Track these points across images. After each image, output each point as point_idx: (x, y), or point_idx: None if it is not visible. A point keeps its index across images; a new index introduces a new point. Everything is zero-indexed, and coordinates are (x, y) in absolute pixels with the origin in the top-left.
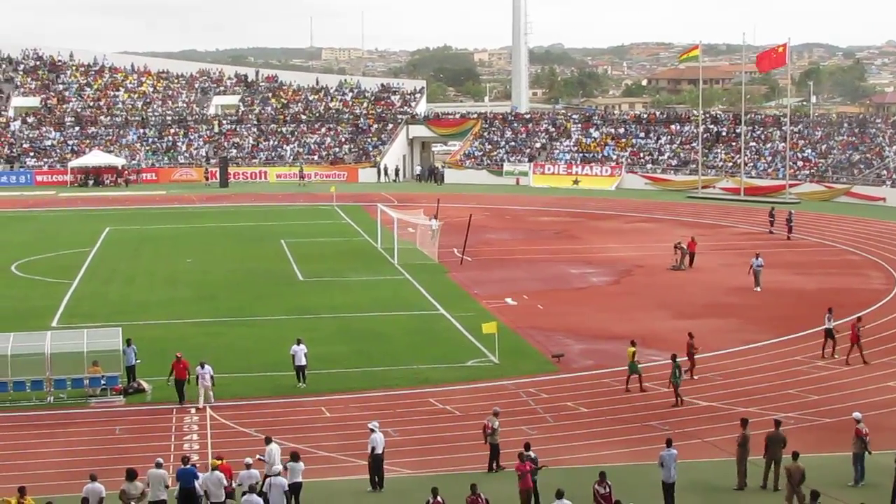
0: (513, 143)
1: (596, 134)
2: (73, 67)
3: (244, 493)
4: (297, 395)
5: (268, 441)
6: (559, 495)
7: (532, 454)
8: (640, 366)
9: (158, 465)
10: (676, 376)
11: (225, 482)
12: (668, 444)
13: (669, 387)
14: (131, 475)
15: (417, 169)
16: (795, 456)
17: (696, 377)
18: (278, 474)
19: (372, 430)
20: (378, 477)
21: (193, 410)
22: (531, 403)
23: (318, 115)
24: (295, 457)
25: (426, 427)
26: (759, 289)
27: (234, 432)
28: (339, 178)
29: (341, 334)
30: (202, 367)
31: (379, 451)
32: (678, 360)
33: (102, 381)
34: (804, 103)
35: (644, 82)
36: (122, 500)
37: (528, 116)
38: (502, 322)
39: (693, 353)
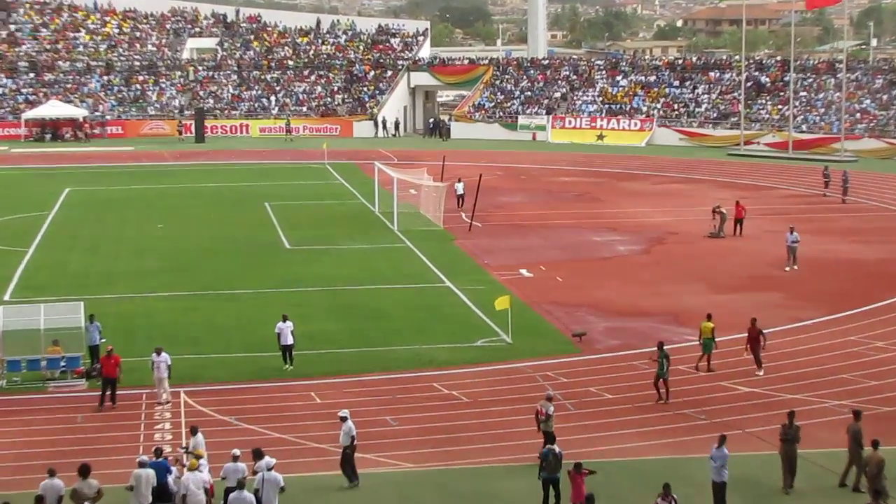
0: (529, 93)
1: (624, 82)
2: (27, 5)
3: (231, 490)
4: (283, 379)
5: (194, 432)
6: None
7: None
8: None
9: (142, 465)
10: (663, 368)
11: (207, 482)
12: (722, 441)
13: (660, 384)
14: (84, 471)
15: (420, 122)
16: (875, 444)
17: (760, 373)
18: (272, 468)
19: (343, 420)
20: (352, 469)
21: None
22: (549, 389)
23: (306, 60)
24: (258, 454)
25: (430, 415)
26: (794, 267)
27: (213, 420)
28: (331, 133)
29: (333, 310)
30: (158, 354)
31: (347, 442)
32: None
33: (62, 363)
34: (863, 47)
35: (679, 23)
36: (75, 502)
37: (546, 62)
38: (516, 296)
39: (758, 342)
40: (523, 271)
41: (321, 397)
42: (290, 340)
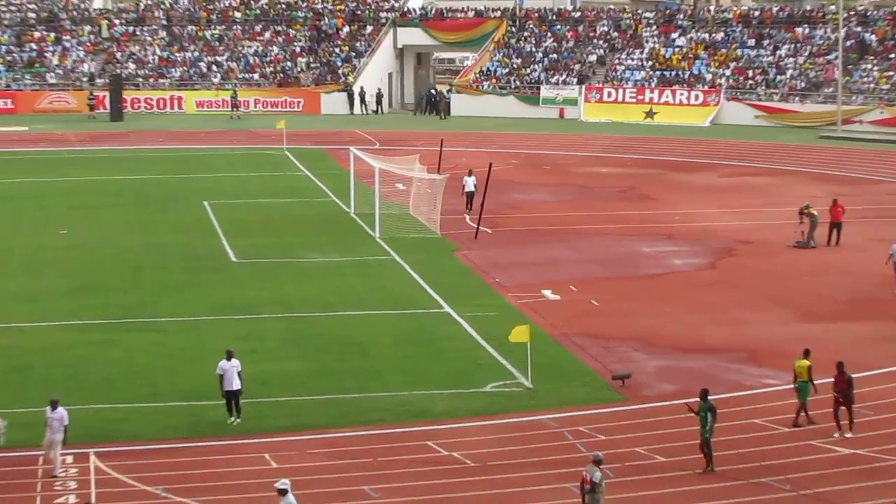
0: (554, 56)
1: (681, 42)
2: None
3: None
4: (227, 437)
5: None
6: None
7: None
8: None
9: None
10: (707, 425)
11: None
12: None
13: (701, 447)
14: None
15: (410, 95)
16: None
17: (848, 435)
18: None
19: (282, 493)
20: None
21: (70, 459)
22: (581, 449)
23: (259, 12)
24: None
25: (423, 485)
26: None
27: (134, 492)
28: (291, 109)
29: (295, 344)
30: (53, 408)
31: None
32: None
33: None
34: None
35: None
36: None
37: (577, 15)
38: (538, 326)
39: (846, 392)
40: (547, 292)
41: (278, 461)
42: (236, 385)
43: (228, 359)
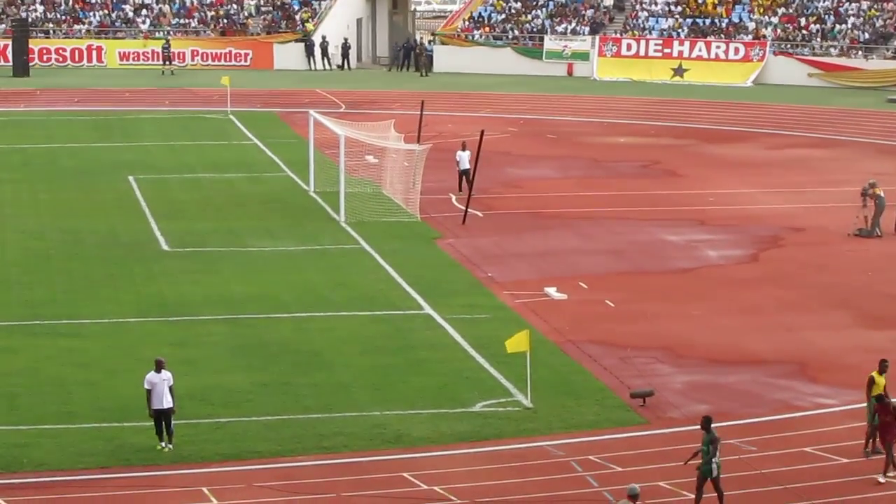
0: (561, 0)
1: None
2: None
3: None
4: (156, 466)
5: None
6: None
7: None
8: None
9: None
10: (709, 460)
11: None
12: None
13: (698, 488)
14: None
15: (384, 47)
16: None
17: (881, 479)
18: None
19: None
20: None
21: None
22: (592, 483)
23: None
24: None
25: None
26: None
27: None
28: (237, 63)
29: (241, 353)
30: None
31: None
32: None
33: None
34: None
35: None
36: None
37: None
38: (540, 332)
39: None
40: (551, 291)
41: (219, 496)
42: (168, 402)
43: (158, 370)
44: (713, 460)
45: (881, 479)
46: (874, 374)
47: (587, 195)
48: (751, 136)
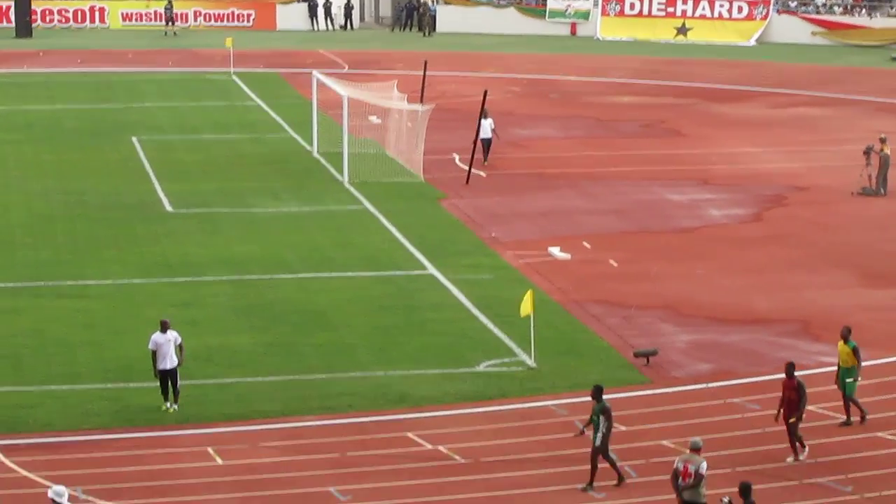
0: None
1: None
2: None
3: None
4: (162, 426)
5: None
6: None
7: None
8: (851, 374)
9: None
10: (599, 432)
11: None
12: None
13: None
14: None
15: (387, 6)
16: None
17: (790, 459)
18: None
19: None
20: None
21: None
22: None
23: None
24: None
25: (403, 486)
26: None
27: (45, 495)
28: (239, 24)
29: (245, 314)
30: None
31: None
32: None
33: None
34: None
35: None
36: None
37: None
38: (544, 292)
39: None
40: (555, 250)
41: (224, 456)
42: (172, 363)
43: (163, 331)
44: (600, 431)
45: (790, 461)
46: (840, 342)
47: (591, 155)
48: (754, 95)
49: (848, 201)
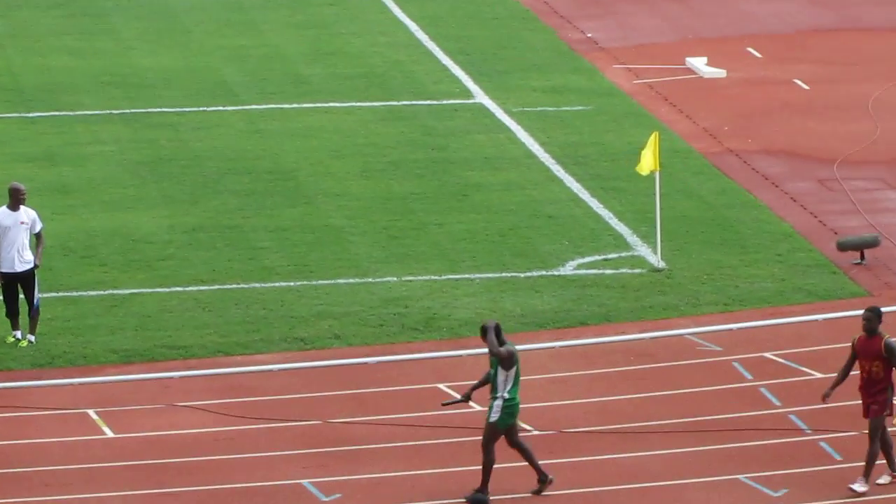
0: None
1: None
2: None
3: None
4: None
5: None
6: None
7: None
8: None
9: None
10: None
11: None
12: None
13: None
14: None
15: None
16: None
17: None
18: None
19: None
20: None
21: None
22: (766, 394)
23: None
24: None
25: (435, 459)
26: None
27: None
28: None
29: (149, 170)
30: None
31: None
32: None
33: None
34: None
35: None
36: None
37: None
38: (677, 135)
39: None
40: (698, 62)
41: (114, 424)
42: (26, 262)
43: (14, 206)
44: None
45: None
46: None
47: None
48: None
49: None
